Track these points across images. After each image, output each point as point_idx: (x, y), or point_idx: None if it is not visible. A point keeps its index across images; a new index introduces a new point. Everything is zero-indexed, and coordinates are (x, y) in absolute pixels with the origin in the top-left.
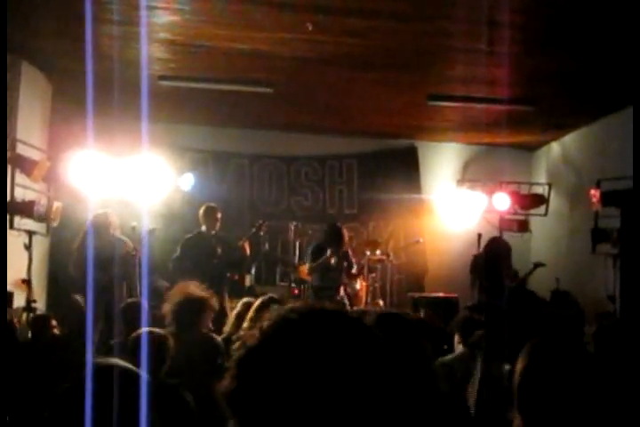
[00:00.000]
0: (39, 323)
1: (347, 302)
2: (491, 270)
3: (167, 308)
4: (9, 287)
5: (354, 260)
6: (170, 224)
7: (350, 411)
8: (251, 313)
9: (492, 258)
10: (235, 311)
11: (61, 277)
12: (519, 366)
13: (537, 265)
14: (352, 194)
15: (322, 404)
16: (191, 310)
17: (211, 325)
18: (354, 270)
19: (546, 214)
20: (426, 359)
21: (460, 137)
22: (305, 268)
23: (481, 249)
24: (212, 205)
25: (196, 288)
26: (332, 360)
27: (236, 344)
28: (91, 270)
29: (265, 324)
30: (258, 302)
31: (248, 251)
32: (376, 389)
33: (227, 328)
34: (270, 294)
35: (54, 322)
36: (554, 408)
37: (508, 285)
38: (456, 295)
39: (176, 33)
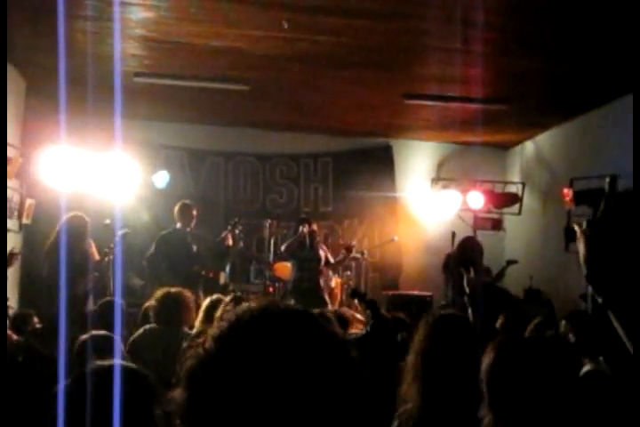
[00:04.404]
0: (20, 320)
1: (327, 297)
2: (465, 269)
3: (148, 305)
4: None
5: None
6: (143, 221)
7: (309, 417)
8: (201, 314)
9: (465, 257)
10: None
11: (34, 275)
12: (486, 361)
13: (510, 262)
14: (327, 192)
15: (279, 414)
16: (170, 307)
17: None
18: (331, 260)
19: (519, 213)
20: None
21: (434, 136)
22: (280, 265)
23: (454, 248)
24: (188, 202)
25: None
26: (287, 366)
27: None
28: (63, 279)
29: (215, 330)
30: (206, 302)
31: (231, 242)
32: (336, 395)
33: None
34: (217, 296)
35: (35, 319)
36: (525, 403)
37: (481, 282)
38: (430, 294)
39: (151, 29)
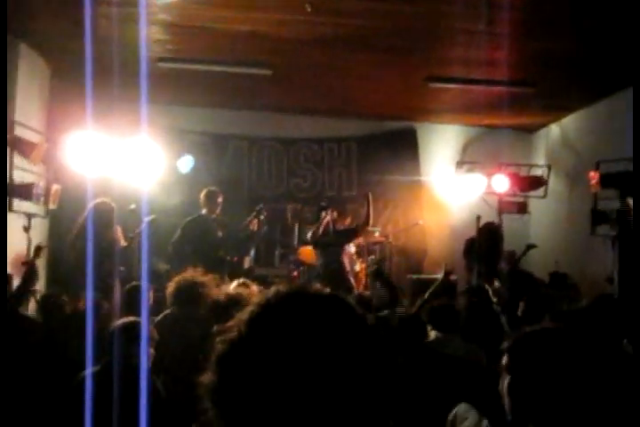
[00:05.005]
0: (49, 301)
1: (352, 279)
2: (488, 255)
3: (168, 291)
4: (9, 269)
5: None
6: (168, 206)
7: (337, 402)
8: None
9: (488, 243)
10: None
11: (61, 260)
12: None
13: (529, 247)
14: (351, 176)
15: (309, 399)
16: (189, 291)
17: None
18: (358, 223)
19: (545, 196)
20: None
21: (459, 119)
22: (305, 249)
23: (476, 233)
24: (214, 189)
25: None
26: (318, 349)
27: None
28: (91, 265)
29: (244, 315)
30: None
31: (256, 227)
32: (365, 378)
33: None
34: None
35: (65, 298)
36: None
37: (504, 268)
38: (455, 278)
39: (175, 14)
